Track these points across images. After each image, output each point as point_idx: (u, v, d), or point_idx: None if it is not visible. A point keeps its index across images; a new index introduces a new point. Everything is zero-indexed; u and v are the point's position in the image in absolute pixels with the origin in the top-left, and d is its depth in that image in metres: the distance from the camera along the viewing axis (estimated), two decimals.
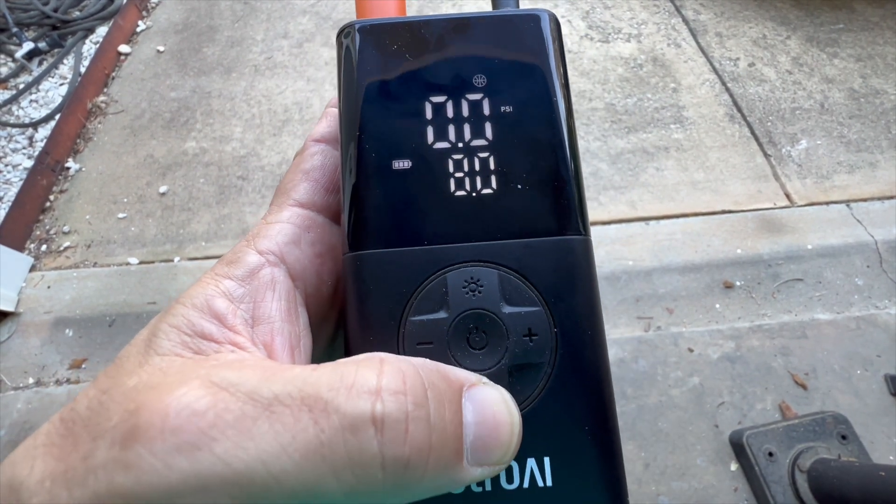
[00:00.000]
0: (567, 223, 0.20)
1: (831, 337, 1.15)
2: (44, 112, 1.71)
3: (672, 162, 1.51)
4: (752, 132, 1.58)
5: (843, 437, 0.98)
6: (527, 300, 0.20)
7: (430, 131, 0.21)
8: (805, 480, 0.93)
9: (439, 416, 0.15)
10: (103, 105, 1.75)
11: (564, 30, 1.91)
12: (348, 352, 0.20)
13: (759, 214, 1.38)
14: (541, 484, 0.19)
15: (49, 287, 1.32)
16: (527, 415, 0.19)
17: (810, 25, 1.87)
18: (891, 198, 1.41)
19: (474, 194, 0.20)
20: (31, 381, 1.18)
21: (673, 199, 1.43)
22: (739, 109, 1.63)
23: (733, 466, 1.00)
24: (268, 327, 0.19)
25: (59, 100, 1.74)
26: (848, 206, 1.39)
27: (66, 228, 1.45)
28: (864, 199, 1.41)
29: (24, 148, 1.62)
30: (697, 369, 1.11)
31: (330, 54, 1.87)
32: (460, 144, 0.21)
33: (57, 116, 1.65)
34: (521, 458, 0.19)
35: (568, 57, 1.82)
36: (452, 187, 0.21)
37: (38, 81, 1.79)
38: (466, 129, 0.21)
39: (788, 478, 0.95)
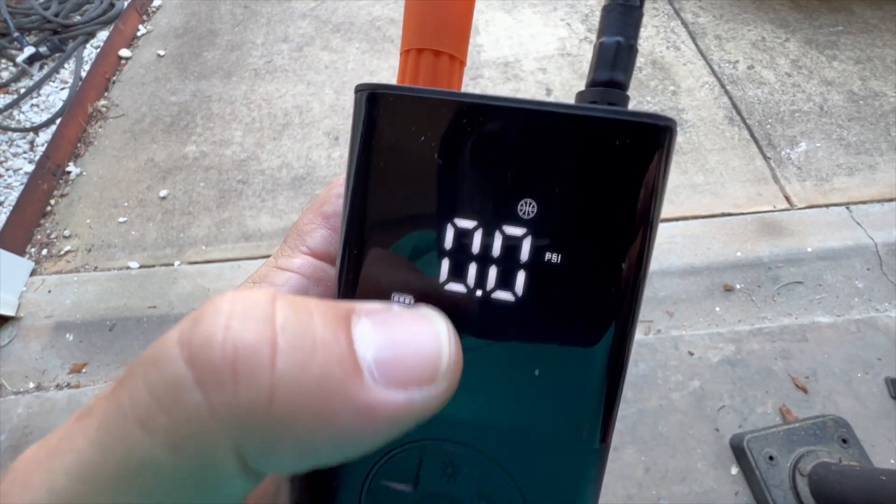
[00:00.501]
0: (582, 436, 0.16)
1: (832, 340, 1.15)
2: (45, 116, 1.71)
3: (671, 165, 1.51)
4: (752, 135, 1.58)
5: (844, 441, 0.98)
6: (507, 502, 0.17)
7: (444, 265, 0.16)
8: (806, 484, 0.93)
9: (296, 318, 0.12)
10: (104, 109, 1.75)
11: (563, 33, 1.91)
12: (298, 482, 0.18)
13: (759, 217, 1.38)
14: None
15: (50, 291, 1.32)
16: None
17: (809, 28, 1.87)
18: (890, 200, 1.41)
19: (480, 360, 0.16)
20: (31, 385, 1.18)
21: (672, 202, 1.43)
22: (739, 112, 1.64)
23: (734, 470, 1.00)
24: None
25: (59, 104, 1.74)
26: (848, 208, 1.39)
27: (66, 232, 1.45)
28: (864, 202, 1.41)
29: (24, 152, 1.63)
30: (698, 373, 1.11)
31: (330, 58, 1.87)
32: (479, 293, 0.16)
33: (58, 121, 1.65)
34: None
35: (567, 60, 1.82)
36: None
37: (39, 86, 1.80)
38: (492, 273, 0.16)
39: (789, 482, 0.94)
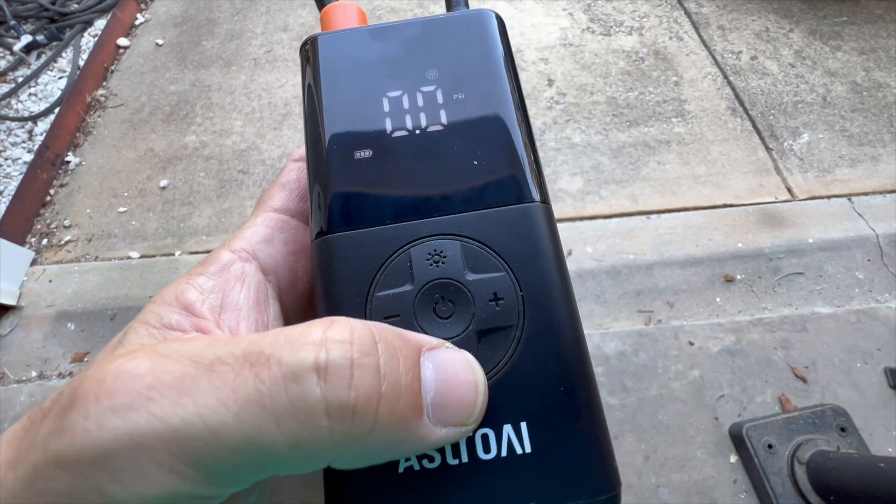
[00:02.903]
0: (523, 192, 0.21)
1: (831, 330, 1.15)
2: (43, 106, 1.70)
3: (673, 156, 1.51)
4: (754, 126, 1.57)
5: (843, 430, 0.98)
6: (490, 267, 0.20)
7: (388, 122, 0.22)
8: (804, 472, 0.94)
9: (391, 366, 0.15)
10: (102, 98, 1.74)
11: (565, 23, 1.90)
12: None
13: (761, 208, 1.38)
14: (519, 451, 0.18)
15: (50, 281, 1.32)
16: (499, 380, 0.19)
17: (813, 18, 1.86)
18: (892, 192, 1.40)
19: (433, 174, 0.22)
20: (33, 374, 1.19)
21: (674, 192, 1.43)
22: (741, 103, 1.63)
23: (733, 458, 1.01)
24: (234, 314, 0.19)
25: (58, 93, 1.73)
26: (849, 199, 1.39)
27: (66, 222, 1.45)
28: (866, 193, 1.41)
29: (23, 142, 1.62)
30: (698, 362, 1.12)
31: None
32: (417, 131, 0.22)
33: (56, 110, 1.64)
34: (496, 426, 0.18)
35: (570, 50, 1.81)
36: (412, 170, 0.22)
37: (36, 75, 1.78)
38: (422, 116, 0.22)
39: (788, 470, 0.95)
